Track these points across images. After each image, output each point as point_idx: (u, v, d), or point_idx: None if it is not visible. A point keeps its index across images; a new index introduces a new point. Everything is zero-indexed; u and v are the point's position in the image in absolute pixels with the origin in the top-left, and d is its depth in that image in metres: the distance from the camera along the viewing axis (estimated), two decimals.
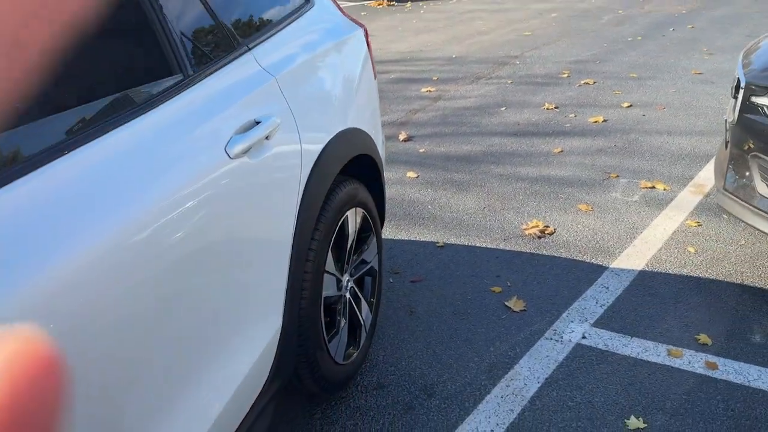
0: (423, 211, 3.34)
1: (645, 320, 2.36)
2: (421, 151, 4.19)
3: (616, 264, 2.73)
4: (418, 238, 3.08)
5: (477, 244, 2.97)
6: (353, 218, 2.08)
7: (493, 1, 10.95)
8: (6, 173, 0.97)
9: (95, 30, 1.29)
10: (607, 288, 2.56)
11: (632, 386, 2.05)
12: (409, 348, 2.30)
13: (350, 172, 2.02)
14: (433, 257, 2.90)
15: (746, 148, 2.50)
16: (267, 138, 1.54)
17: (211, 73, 1.49)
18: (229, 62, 1.57)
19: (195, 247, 1.29)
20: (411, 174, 3.80)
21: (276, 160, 1.59)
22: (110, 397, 1.10)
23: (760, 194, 2.44)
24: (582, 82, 5.59)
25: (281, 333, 1.65)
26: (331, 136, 1.87)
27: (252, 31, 1.74)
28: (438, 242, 3.02)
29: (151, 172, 1.21)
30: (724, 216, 3.05)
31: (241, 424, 1.49)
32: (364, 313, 2.19)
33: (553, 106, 4.95)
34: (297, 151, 1.69)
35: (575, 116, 4.70)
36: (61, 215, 1.04)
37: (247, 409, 1.52)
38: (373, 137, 2.21)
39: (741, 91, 2.52)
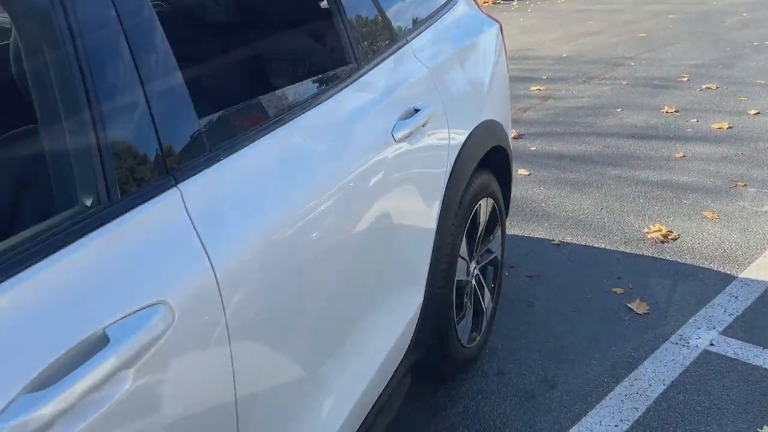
0: (536, 208, 3.35)
1: None
2: (532, 149, 4.19)
3: (745, 274, 2.64)
4: (532, 235, 3.10)
5: (595, 245, 2.95)
6: (484, 208, 2.14)
7: (604, 2, 10.63)
8: (234, 141, 1.11)
9: (300, 27, 1.44)
10: (736, 297, 2.49)
11: (765, 396, 1.99)
12: (528, 340, 2.34)
13: (484, 162, 2.08)
14: (548, 254, 2.91)
15: None
16: (423, 125, 1.64)
17: (379, 63, 1.60)
18: (392, 53, 1.68)
19: (362, 222, 1.40)
20: (522, 171, 3.80)
21: (429, 148, 1.68)
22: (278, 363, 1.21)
23: None
24: (703, 86, 5.36)
25: (422, 309, 1.74)
26: (473, 127, 1.95)
27: (409, 25, 1.85)
28: (553, 240, 3.03)
29: (337, 147, 1.34)
30: None
31: (384, 389, 1.60)
32: (486, 300, 2.25)
33: (673, 109, 4.79)
34: (446, 139, 1.77)
35: (697, 121, 4.52)
36: (270, 180, 1.17)
37: (390, 377, 1.63)
38: (505, 129, 2.27)
39: None
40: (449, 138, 1.79)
